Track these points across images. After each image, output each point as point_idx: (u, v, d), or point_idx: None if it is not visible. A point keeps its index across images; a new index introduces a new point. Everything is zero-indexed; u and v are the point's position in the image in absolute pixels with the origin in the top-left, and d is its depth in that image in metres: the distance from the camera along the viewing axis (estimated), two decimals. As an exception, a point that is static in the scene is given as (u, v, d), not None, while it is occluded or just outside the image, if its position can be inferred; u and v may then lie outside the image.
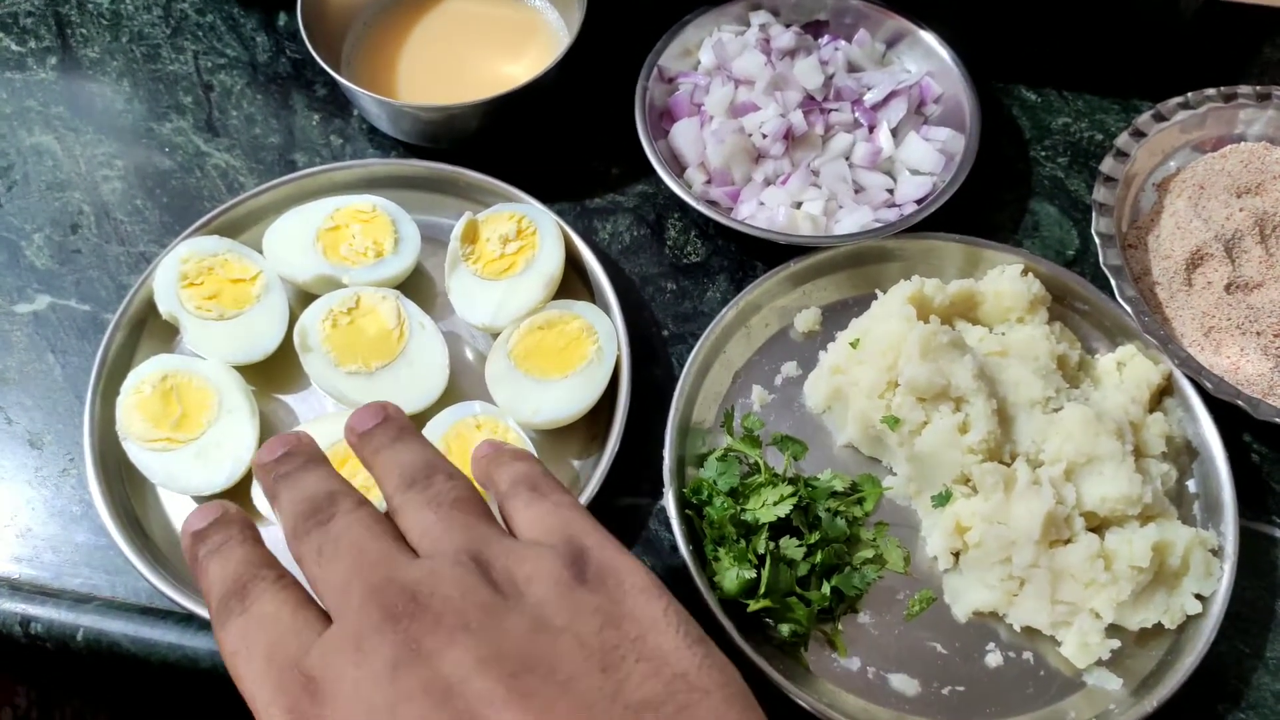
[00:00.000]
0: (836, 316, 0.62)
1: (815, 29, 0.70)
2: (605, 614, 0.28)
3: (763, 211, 0.63)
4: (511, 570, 0.29)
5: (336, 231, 0.61)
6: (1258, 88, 0.65)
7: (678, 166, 0.65)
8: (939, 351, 0.54)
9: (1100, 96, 0.69)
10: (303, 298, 0.60)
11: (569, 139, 0.68)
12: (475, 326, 0.59)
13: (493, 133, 0.66)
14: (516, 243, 0.60)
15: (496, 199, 0.63)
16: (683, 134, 0.65)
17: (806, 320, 0.61)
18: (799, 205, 0.63)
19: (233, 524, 0.32)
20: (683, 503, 0.54)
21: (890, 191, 0.64)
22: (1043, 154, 0.67)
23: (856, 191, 0.64)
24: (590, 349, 0.57)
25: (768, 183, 0.65)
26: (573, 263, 0.61)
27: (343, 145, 0.68)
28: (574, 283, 0.62)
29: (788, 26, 0.69)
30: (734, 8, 0.69)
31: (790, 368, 0.60)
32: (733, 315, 0.59)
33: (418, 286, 0.62)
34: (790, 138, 0.64)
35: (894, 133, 0.66)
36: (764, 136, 0.64)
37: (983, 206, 0.64)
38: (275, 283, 0.60)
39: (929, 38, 0.67)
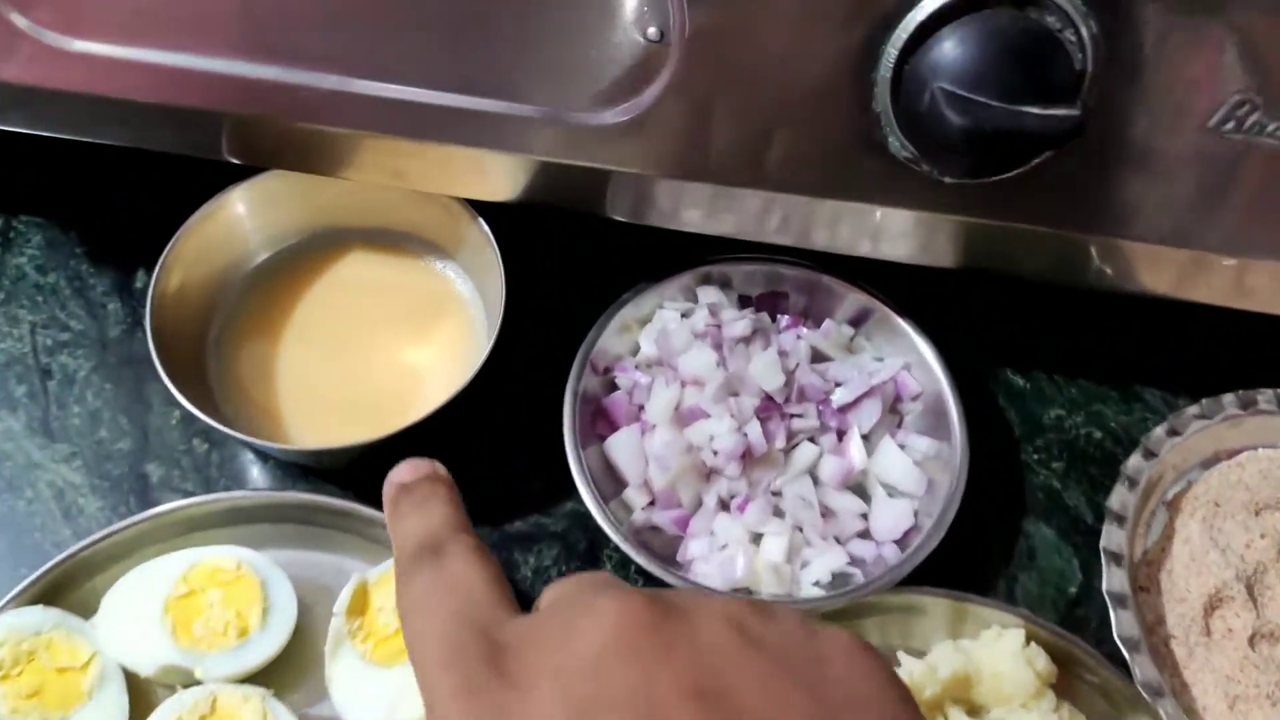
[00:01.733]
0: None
1: (771, 301, 0.60)
2: (853, 692, 0.23)
3: (715, 549, 0.53)
4: (752, 607, 0.25)
5: (190, 600, 0.49)
6: (1278, 391, 0.57)
7: (614, 481, 0.55)
8: (937, 781, 0.44)
9: (1096, 383, 0.60)
10: (146, 693, 0.48)
11: (482, 446, 0.57)
12: (361, 732, 0.48)
13: (394, 454, 0.55)
14: (417, 614, 0.49)
15: (389, 544, 0.52)
16: (621, 447, 0.55)
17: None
18: (759, 538, 0.53)
19: (440, 482, 0.30)
20: None
21: (864, 517, 0.54)
22: (1035, 457, 0.58)
23: (824, 516, 0.54)
24: (508, 766, 0.46)
25: (722, 505, 0.54)
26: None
27: (207, 451, 0.57)
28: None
29: (742, 305, 0.60)
30: (680, 280, 0.59)
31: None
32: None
33: (294, 671, 0.50)
34: (749, 458, 0.54)
35: (866, 438, 0.56)
36: (715, 454, 0.54)
37: (970, 529, 0.55)
38: (113, 672, 0.48)
39: (900, 320, 0.58)
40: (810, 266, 0.59)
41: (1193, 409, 0.56)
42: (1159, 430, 0.55)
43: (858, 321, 0.60)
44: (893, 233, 0.51)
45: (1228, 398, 0.56)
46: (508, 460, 0.57)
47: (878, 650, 0.24)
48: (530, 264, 0.60)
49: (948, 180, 0.47)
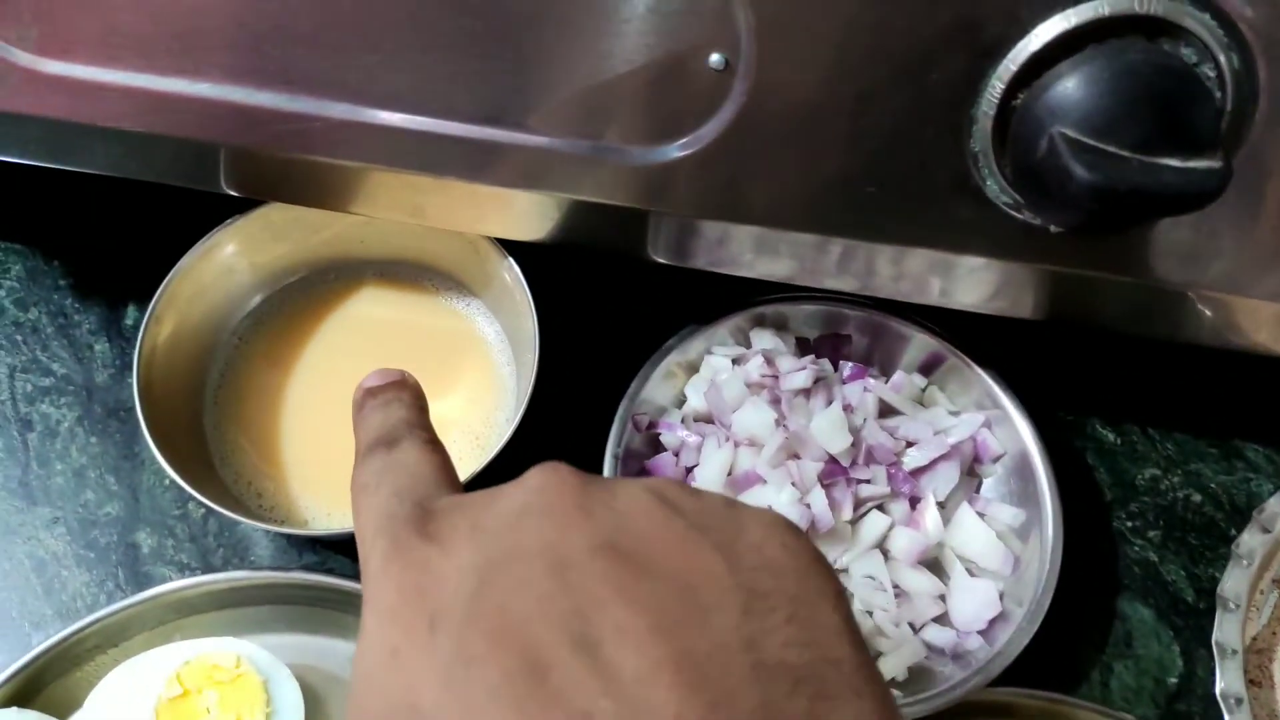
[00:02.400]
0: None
1: (833, 345, 0.54)
2: (769, 559, 0.22)
3: None
4: (687, 490, 0.24)
5: (184, 703, 0.43)
6: None
7: None
8: None
9: (1194, 436, 0.54)
10: (135, 811, 0.43)
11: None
12: None
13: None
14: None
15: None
16: None
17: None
18: None
19: (406, 388, 0.30)
20: None
21: (941, 599, 0.48)
22: (1129, 524, 0.52)
23: (897, 597, 0.48)
24: None
25: None
26: None
27: (204, 517, 0.51)
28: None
29: (799, 347, 0.53)
30: (731, 321, 0.53)
31: None
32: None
33: (301, 786, 0.44)
34: (811, 531, 0.48)
35: (942, 505, 0.50)
36: None
37: (1058, 609, 0.48)
38: (97, 785, 0.42)
39: (977, 369, 0.51)
40: (874, 306, 0.52)
41: None
42: (1273, 503, 0.49)
43: (928, 369, 0.53)
44: (971, 281, 0.45)
45: (1350, 462, 0.50)
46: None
47: (800, 529, 0.24)
48: (563, 304, 0.53)
49: (1053, 229, 0.41)
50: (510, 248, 0.49)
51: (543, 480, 0.23)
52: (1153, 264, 0.41)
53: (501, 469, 0.47)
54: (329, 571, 0.48)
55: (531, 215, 0.45)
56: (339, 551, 0.50)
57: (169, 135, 0.43)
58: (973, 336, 0.51)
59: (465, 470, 0.45)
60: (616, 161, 0.41)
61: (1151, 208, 0.36)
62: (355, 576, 0.47)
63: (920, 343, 0.53)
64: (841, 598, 0.23)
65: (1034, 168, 0.36)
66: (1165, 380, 0.55)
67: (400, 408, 0.29)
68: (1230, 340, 0.46)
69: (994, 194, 0.39)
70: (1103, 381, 0.55)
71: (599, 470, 0.48)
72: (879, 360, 0.54)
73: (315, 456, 0.50)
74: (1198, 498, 0.53)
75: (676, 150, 0.41)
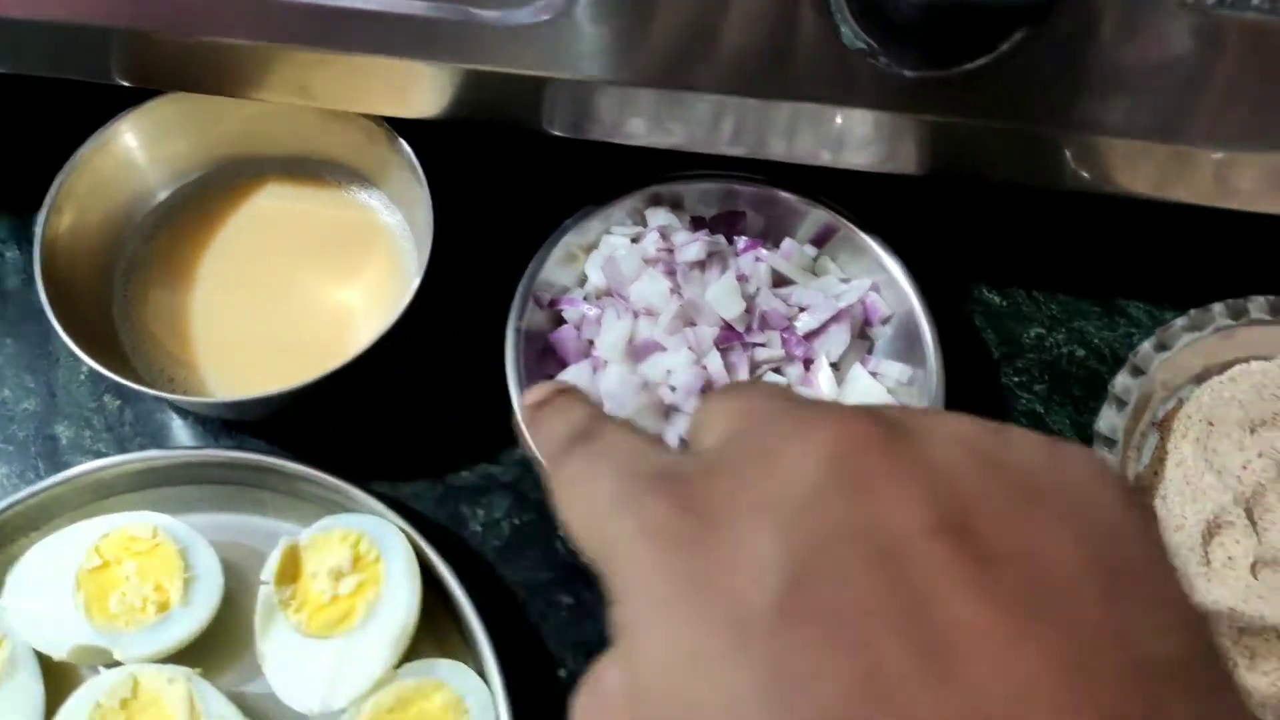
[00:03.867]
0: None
1: (728, 221, 0.56)
2: (1112, 522, 0.19)
3: None
4: (985, 427, 0.21)
5: (104, 573, 0.45)
6: (1272, 298, 0.53)
7: None
8: None
9: (1077, 297, 0.56)
10: (62, 677, 0.44)
11: (421, 391, 0.52)
12: (301, 712, 0.44)
13: (324, 402, 0.50)
14: (353, 577, 0.45)
15: (328, 501, 0.48)
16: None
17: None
18: None
19: (573, 392, 0.28)
20: None
21: None
22: (1015, 380, 0.55)
23: None
24: (459, 737, 0.43)
25: (683, 442, 0.50)
26: (431, 582, 0.46)
27: (120, 409, 0.52)
28: (433, 616, 0.47)
29: (695, 226, 0.55)
30: (628, 202, 0.54)
31: (723, 716, 0.47)
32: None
33: (222, 648, 0.46)
34: (708, 390, 0.50)
35: (835, 366, 0.52)
36: (673, 389, 0.49)
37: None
38: (23, 656, 0.44)
39: (866, 237, 0.53)
40: (767, 182, 0.54)
41: (1180, 321, 0.52)
42: (1146, 345, 0.51)
43: (821, 240, 0.55)
44: (854, 138, 0.47)
45: (1217, 308, 0.52)
46: (450, 406, 0.52)
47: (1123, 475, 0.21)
48: (464, 190, 0.55)
49: (907, 73, 0.43)
50: (408, 131, 0.50)
51: (837, 438, 0.19)
52: (1004, 104, 0.43)
53: (406, 344, 0.48)
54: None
55: (415, 88, 0.46)
56: (253, 435, 0.51)
57: (48, 21, 0.44)
58: (866, 208, 0.53)
59: (365, 343, 0.46)
60: (480, 24, 0.42)
61: (981, 25, 0.38)
62: (269, 453, 0.48)
63: (813, 216, 0.54)
64: (1175, 565, 0.20)
65: (874, 2, 0.38)
66: (1050, 244, 0.57)
67: (578, 405, 0.27)
68: (1099, 185, 0.48)
69: (849, 40, 0.40)
70: (990, 249, 0.57)
71: (500, 347, 0.49)
72: (774, 235, 0.55)
73: (226, 344, 0.51)
74: (1081, 353, 0.55)
75: (539, 13, 0.42)
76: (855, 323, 0.52)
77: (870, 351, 0.53)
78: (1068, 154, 0.46)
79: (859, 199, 0.53)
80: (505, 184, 0.57)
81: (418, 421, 0.52)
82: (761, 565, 0.18)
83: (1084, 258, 0.57)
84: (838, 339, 0.52)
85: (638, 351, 0.51)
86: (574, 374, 0.51)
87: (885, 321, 0.53)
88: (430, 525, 0.49)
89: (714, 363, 0.50)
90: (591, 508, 0.22)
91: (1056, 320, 0.56)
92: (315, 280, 0.53)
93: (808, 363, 0.52)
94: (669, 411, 0.50)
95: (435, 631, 0.47)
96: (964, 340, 0.55)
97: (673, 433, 0.50)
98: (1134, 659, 0.17)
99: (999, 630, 0.17)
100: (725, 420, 0.23)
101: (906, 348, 0.52)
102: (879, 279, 0.53)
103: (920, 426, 0.20)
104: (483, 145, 0.56)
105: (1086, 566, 0.18)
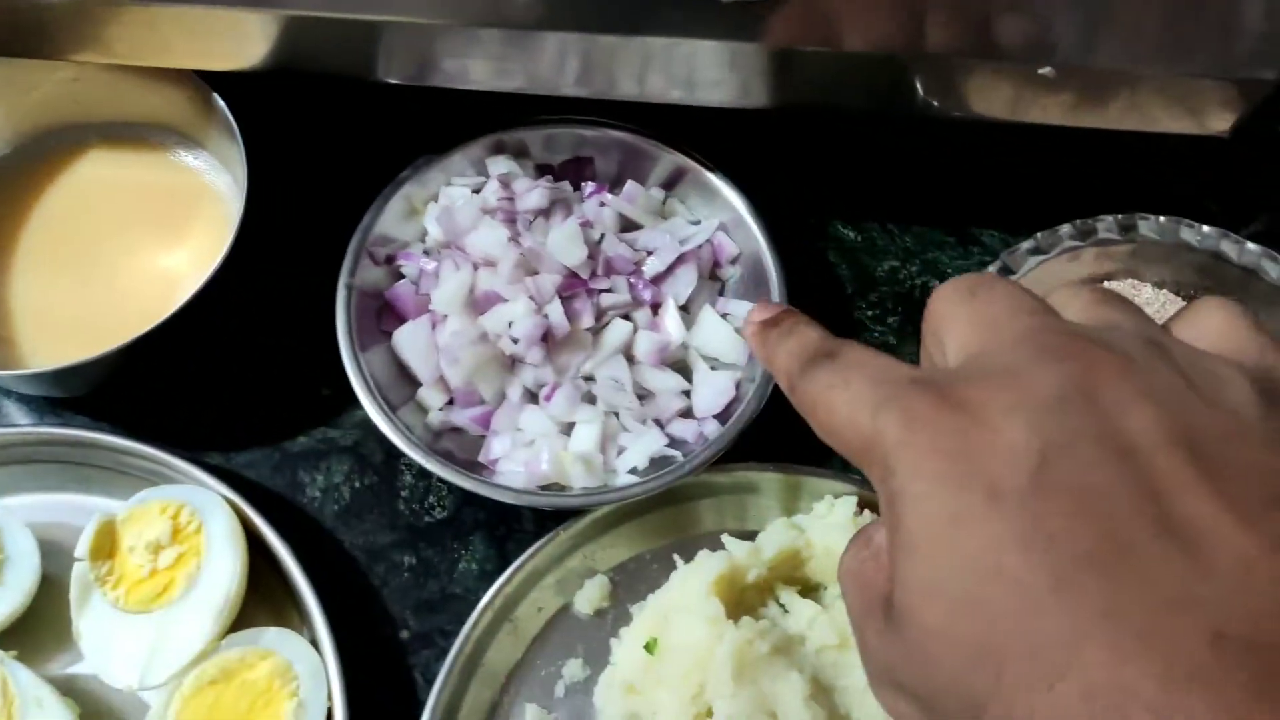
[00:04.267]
0: (632, 582, 0.47)
1: (576, 168, 0.54)
2: None
3: (521, 444, 0.48)
4: (1198, 365, 0.24)
5: (-94, 561, 0.43)
6: (1119, 217, 0.52)
7: (409, 382, 0.49)
8: (758, 668, 0.40)
9: (930, 228, 0.56)
10: None
11: (254, 355, 0.50)
12: (119, 689, 0.42)
13: (146, 367, 0.48)
14: (173, 549, 0.43)
15: (154, 474, 0.45)
16: (410, 342, 0.49)
17: (591, 596, 0.46)
18: (570, 428, 0.48)
19: (800, 316, 0.31)
20: None
21: (686, 394, 0.49)
22: (869, 313, 0.54)
23: (642, 400, 0.49)
24: (285, 705, 0.41)
25: (531, 396, 0.49)
26: (262, 551, 0.44)
27: (-62, 393, 0.49)
28: (268, 585, 0.45)
29: (539, 173, 0.53)
30: (468, 151, 0.52)
31: (574, 668, 0.45)
32: (492, 611, 0.44)
33: (40, 629, 0.44)
34: (551, 341, 0.48)
35: (685, 309, 0.51)
36: (515, 341, 0.48)
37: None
38: None
39: (713, 178, 0.52)
40: (615, 126, 0.52)
41: (1027, 243, 0.51)
42: (992, 269, 0.51)
43: (671, 184, 0.54)
44: (699, 74, 0.46)
45: (1064, 229, 0.52)
46: (284, 371, 0.50)
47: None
48: (304, 146, 0.53)
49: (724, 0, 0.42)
50: (234, 86, 0.48)
51: (1079, 372, 0.22)
52: (824, 29, 0.42)
53: (216, 312, 0.47)
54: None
55: (221, 37, 0.44)
56: (82, 411, 0.49)
57: None
58: (719, 150, 0.52)
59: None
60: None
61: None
62: (97, 430, 0.46)
63: (666, 161, 0.53)
64: None
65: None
66: (904, 178, 0.57)
67: (812, 328, 0.29)
68: (946, 110, 0.47)
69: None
70: (845, 185, 0.56)
71: (333, 303, 0.48)
72: (625, 179, 0.53)
73: (48, 321, 0.49)
74: (935, 283, 0.54)
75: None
76: (704, 264, 0.51)
77: (722, 292, 0.52)
78: (906, 77, 0.45)
79: (712, 140, 0.52)
80: (346, 138, 0.55)
81: (250, 388, 0.50)
82: (1016, 450, 0.21)
83: (938, 189, 0.56)
84: (685, 281, 0.51)
85: (478, 304, 0.49)
86: (411, 331, 0.49)
87: (735, 261, 0.52)
88: (265, 493, 0.48)
89: (554, 310, 0.48)
90: (852, 409, 0.24)
91: (910, 252, 0.55)
92: (141, 247, 0.51)
93: (656, 307, 0.51)
94: (514, 364, 0.49)
95: (270, 601, 0.45)
96: (818, 276, 0.55)
97: (516, 385, 0.48)
98: None
99: (1225, 518, 0.20)
100: (968, 331, 0.25)
101: (755, 287, 0.51)
102: (727, 219, 0.52)
103: (1150, 361, 0.23)
104: (323, 99, 0.54)
105: None
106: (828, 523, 0.45)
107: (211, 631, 0.42)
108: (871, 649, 0.23)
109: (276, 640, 0.42)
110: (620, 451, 0.48)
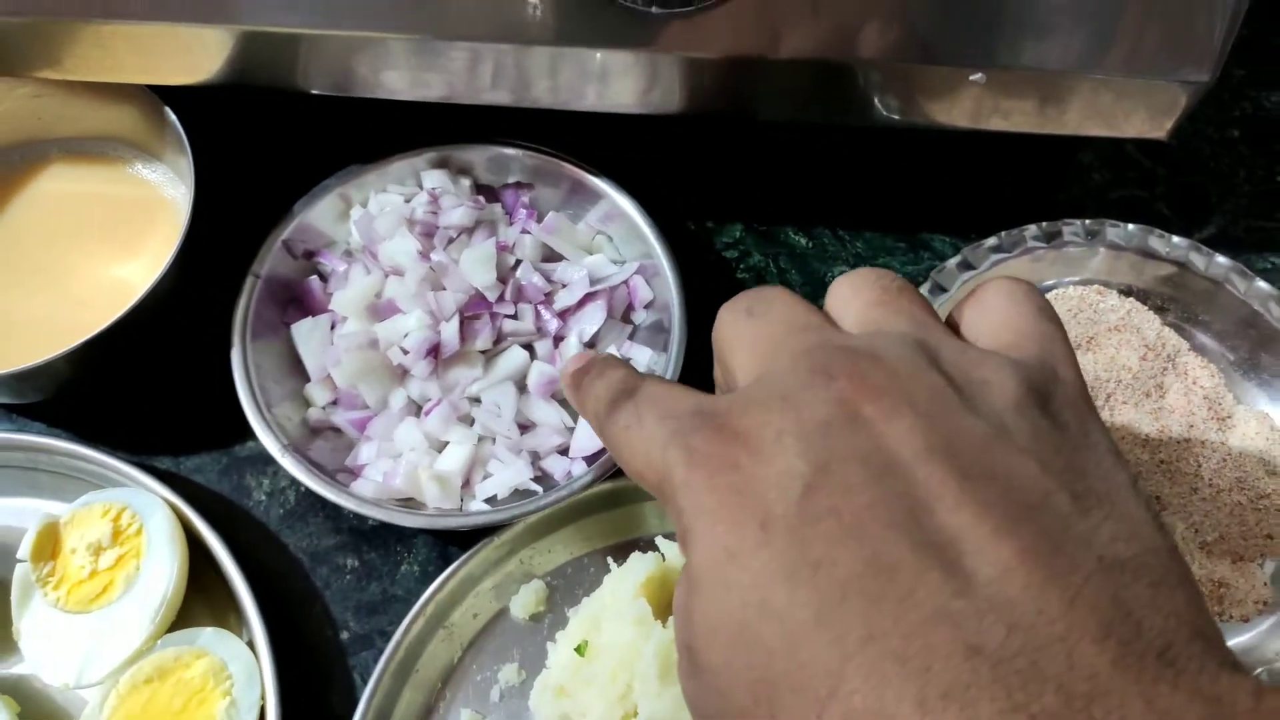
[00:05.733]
0: (569, 587, 0.47)
1: (515, 193, 0.54)
2: (1068, 456, 0.23)
3: (388, 455, 0.47)
4: (965, 369, 0.24)
5: None
6: (1087, 223, 0.52)
7: (302, 376, 0.49)
8: (685, 669, 0.40)
9: (882, 233, 0.56)
10: None
11: (203, 362, 0.51)
12: (57, 687, 0.43)
13: (99, 372, 0.49)
14: (114, 551, 0.44)
15: (100, 478, 0.46)
16: (307, 336, 0.49)
17: (527, 602, 0.46)
18: (444, 446, 0.48)
19: (610, 359, 0.31)
20: None
21: (571, 431, 0.48)
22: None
23: (525, 430, 0.49)
24: (219, 704, 0.41)
25: (415, 409, 0.49)
26: (206, 553, 0.45)
27: (-104, 400, 0.51)
28: (211, 587, 0.45)
29: (477, 192, 0.54)
30: (411, 161, 0.53)
31: (510, 673, 0.45)
32: (425, 617, 0.44)
33: (-21, 630, 0.45)
34: (439, 357, 0.48)
35: (590, 345, 0.50)
36: (405, 352, 0.48)
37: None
38: None
39: (643, 222, 0.51)
40: (552, 154, 0.52)
41: (990, 241, 0.51)
42: (951, 263, 0.50)
43: (609, 220, 0.53)
44: (616, 80, 0.46)
45: (1030, 229, 0.51)
46: (231, 376, 0.51)
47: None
48: (258, 157, 0.54)
49: (655, 11, 0.42)
50: (186, 100, 0.49)
51: (841, 391, 0.23)
52: (751, 38, 0.43)
53: (165, 318, 0.48)
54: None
55: (160, 52, 0.45)
56: (36, 418, 0.50)
57: None
58: (668, 181, 0.52)
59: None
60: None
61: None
62: (49, 436, 0.47)
63: (599, 192, 0.52)
64: (1129, 470, 0.23)
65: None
66: (855, 185, 0.57)
67: (618, 369, 0.29)
68: (882, 115, 0.47)
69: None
70: (795, 193, 0.57)
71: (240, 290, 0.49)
72: (565, 208, 0.53)
73: (4, 326, 0.50)
74: (885, 288, 0.54)
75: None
76: (617, 305, 0.51)
77: (632, 336, 0.52)
78: (843, 83, 0.46)
79: (654, 168, 0.52)
80: (302, 149, 0.55)
81: (200, 394, 0.50)
82: (785, 477, 0.22)
83: (888, 196, 0.57)
84: (593, 318, 0.50)
85: (380, 310, 0.49)
86: (310, 326, 0.49)
87: (649, 306, 0.51)
88: (212, 497, 0.49)
89: (449, 329, 0.48)
90: (647, 448, 0.25)
91: (861, 257, 0.55)
92: (99, 259, 0.52)
93: (560, 340, 0.50)
94: (404, 375, 0.49)
95: (212, 603, 0.46)
96: (766, 282, 0.55)
97: (400, 395, 0.49)
98: (1098, 556, 0.20)
99: (981, 528, 0.20)
100: (748, 354, 0.26)
101: (660, 333, 0.50)
102: (648, 264, 0.51)
103: (915, 374, 0.23)
104: (278, 111, 0.55)
105: (1054, 488, 0.21)
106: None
107: (148, 631, 0.42)
108: (683, 688, 0.24)
109: (212, 640, 0.43)
110: (486, 479, 0.47)
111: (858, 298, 0.27)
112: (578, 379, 0.31)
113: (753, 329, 0.26)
